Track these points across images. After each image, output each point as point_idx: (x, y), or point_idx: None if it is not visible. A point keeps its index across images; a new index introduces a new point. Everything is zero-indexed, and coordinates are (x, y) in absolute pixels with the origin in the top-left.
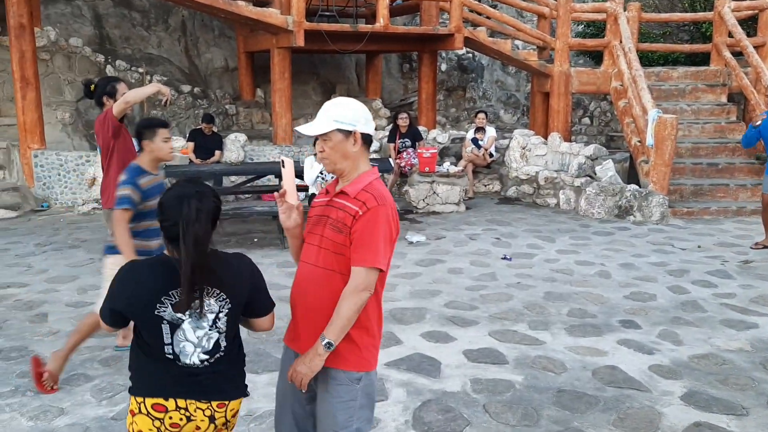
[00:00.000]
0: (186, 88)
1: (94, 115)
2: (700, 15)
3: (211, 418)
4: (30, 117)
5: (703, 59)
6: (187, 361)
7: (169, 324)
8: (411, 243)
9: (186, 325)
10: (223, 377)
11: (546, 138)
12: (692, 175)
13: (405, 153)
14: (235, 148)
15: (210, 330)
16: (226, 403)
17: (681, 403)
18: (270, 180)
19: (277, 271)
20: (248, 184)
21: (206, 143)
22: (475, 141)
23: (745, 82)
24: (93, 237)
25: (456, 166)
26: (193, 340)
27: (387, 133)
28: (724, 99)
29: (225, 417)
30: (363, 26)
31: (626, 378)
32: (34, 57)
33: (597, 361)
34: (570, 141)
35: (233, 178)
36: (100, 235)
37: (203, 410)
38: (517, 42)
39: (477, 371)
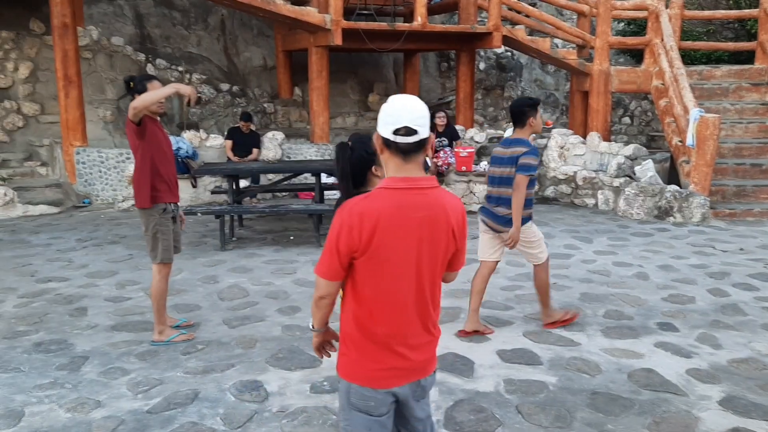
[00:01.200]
0: (225, 86)
1: None
2: (746, 12)
3: None
4: (72, 115)
5: (747, 57)
6: None
7: None
8: None
9: None
10: None
11: (585, 137)
12: (735, 176)
13: (442, 152)
14: (272, 146)
15: None
16: None
17: (719, 408)
18: (306, 178)
19: (311, 269)
20: (285, 182)
21: (244, 141)
22: None
23: None
24: (132, 233)
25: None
26: None
27: None
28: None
29: None
30: (401, 25)
31: (662, 381)
32: (76, 56)
33: (633, 363)
34: (609, 141)
35: (270, 176)
36: (138, 232)
37: None
38: (556, 40)
39: (510, 372)
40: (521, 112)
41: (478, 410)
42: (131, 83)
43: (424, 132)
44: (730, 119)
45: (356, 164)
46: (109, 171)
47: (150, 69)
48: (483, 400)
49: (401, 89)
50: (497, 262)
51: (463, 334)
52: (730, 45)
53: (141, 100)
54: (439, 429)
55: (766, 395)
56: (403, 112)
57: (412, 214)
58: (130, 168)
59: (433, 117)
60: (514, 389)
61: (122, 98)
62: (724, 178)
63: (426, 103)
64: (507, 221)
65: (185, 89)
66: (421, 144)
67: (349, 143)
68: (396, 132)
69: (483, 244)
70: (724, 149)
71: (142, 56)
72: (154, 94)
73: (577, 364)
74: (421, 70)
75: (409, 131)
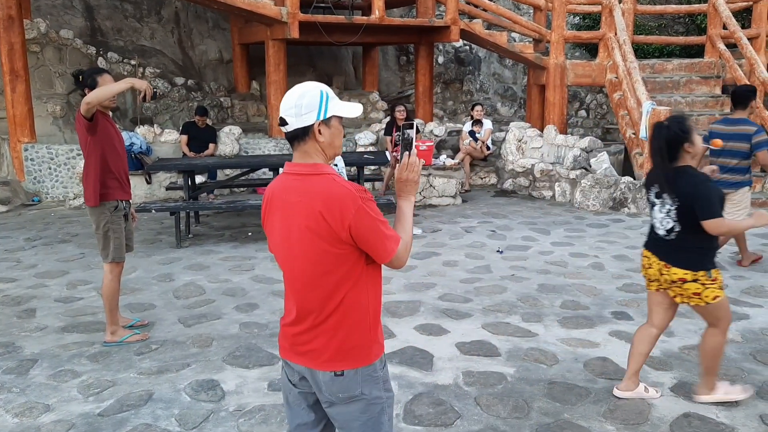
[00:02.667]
0: (180, 80)
1: None
2: (695, 7)
3: (660, 272)
4: (20, 110)
5: (697, 51)
6: (658, 232)
7: (650, 204)
8: None
9: (656, 208)
10: (673, 249)
11: (542, 130)
12: None
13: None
14: (229, 141)
15: (665, 216)
16: (670, 266)
17: (671, 394)
18: (265, 173)
19: (270, 266)
20: (243, 178)
21: (200, 136)
22: (472, 134)
23: (739, 74)
24: (84, 231)
25: (453, 159)
26: (657, 218)
27: (384, 126)
28: (718, 91)
29: (669, 278)
30: (358, 18)
31: (617, 369)
32: (23, 49)
33: (588, 352)
34: (566, 133)
35: (228, 171)
36: (90, 230)
37: (660, 266)
38: (513, 34)
39: (469, 364)
40: (746, 96)
41: (437, 403)
42: (80, 77)
43: (294, 122)
44: (681, 112)
45: (670, 141)
46: (59, 168)
47: (101, 62)
48: (442, 393)
49: (360, 83)
50: None
51: (744, 266)
52: (681, 39)
53: (95, 95)
54: (398, 423)
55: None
56: (281, 104)
57: (289, 198)
58: (81, 164)
59: (393, 110)
60: (472, 381)
61: (72, 93)
62: None
63: (386, 96)
64: (730, 184)
65: (140, 84)
66: (297, 133)
67: (665, 122)
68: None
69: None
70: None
71: (92, 49)
72: (108, 89)
73: (535, 354)
74: (380, 63)
75: (282, 121)
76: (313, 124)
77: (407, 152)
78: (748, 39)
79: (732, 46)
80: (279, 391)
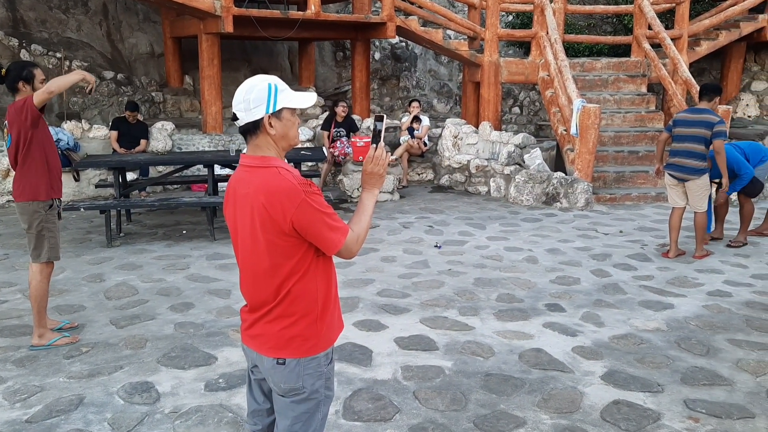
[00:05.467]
0: (109, 74)
1: (7, 102)
2: (622, 8)
3: None
4: None
5: (625, 51)
6: None
7: None
8: None
9: None
10: None
11: (477, 127)
12: (615, 163)
13: (339, 142)
14: (162, 137)
15: None
16: None
17: (601, 383)
18: (199, 170)
19: (206, 264)
20: (176, 174)
21: (130, 132)
22: (409, 130)
23: (663, 72)
24: (7, 231)
25: (390, 155)
26: None
27: (321, 122)
28: (644, 89)
29: None
30: (294, 13)
31: (550, 360)
32: None
33: (523, 344)
34: (500, 130)
35: (161, 168)
36: (14, 230)
37: None
38: (450, 32)
39: (408, 358)
40: (714, 91)
41: (377, 398)
42: (3, 70)
43: (244, 117)
44: (609, 109)
45: None
46: None
47: (24, 55)
48: (381, 388)
49: (297, 78)
50: (685, 207)
51: (699, 257)
52: (609, 39)
53: (56, 84)
54: (338, 420)
55: (643, 368)
56: (233, 99)
57: (240, 191)
58: (4, 161)
59: (334, 106)
60: (411, 375)
61: None
62: (605, 165)
63: (322, 92)
64: (695, 171)
65: (91, 77)
66: (248, 127)
67: None
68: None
69: (673, 195)
70: (604, 138)
71: (15, 41)
72: (66, 79)
73: (472, 347)
74: (316, 59)
75: (233, 116)
76: (262, 118)
77: (374, 145)
78: (672, 39)
79: (657, 46)
80: (216, 391)
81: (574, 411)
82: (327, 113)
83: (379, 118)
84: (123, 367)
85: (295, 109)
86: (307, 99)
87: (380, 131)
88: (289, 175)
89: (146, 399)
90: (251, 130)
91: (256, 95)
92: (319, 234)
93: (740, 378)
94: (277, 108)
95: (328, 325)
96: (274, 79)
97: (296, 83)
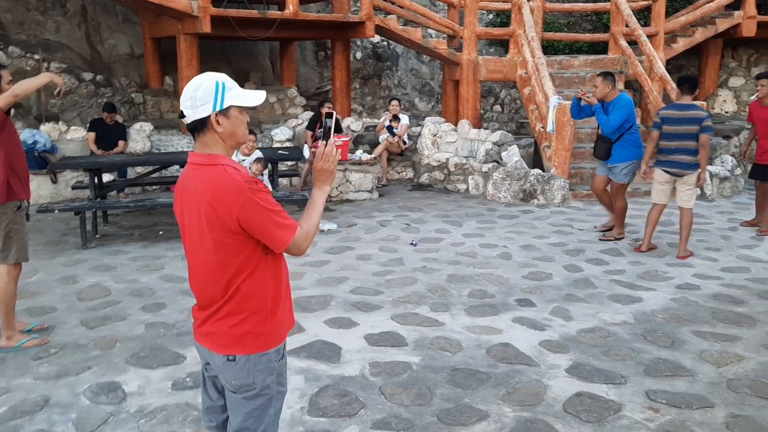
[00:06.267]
0: (88, 75)
1: None
2: (600, 5)
3: None
4: None
5: (603, 48)
6: None
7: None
8: (322, 231)
9: None
10: None
11: (457, 125)
12: (591, 160)
13: (320, 141)
14: (140, 138)
15: None
16: None
17: (566, 376)
18: (178, 170)
19: (181, 264)
20: (154, 175)
21: (108, 133)
22: (389, 128)
23: (640, 69)
24: None
25: (370, 154)
26: None
27: (300, 122)
28: (621, 86)
29: None
30: (272, 13)
31: (517, 354)
32: None
33: (491, 339)
34: (479, 128)
35: (140, 169)
36: None
37: None
38: (430, 31)
39: (376, 355)
40: (694, 84)
41: (343, 394)
42: None
43: (191, 114)
44: None
45: None
46: None
47: (2, 57)
48: (348, 384)
49: (278, 78)
50: (667, 204)
51: (684, 258)
52: (588, 36)
53: (23, 87)
54: (302, 416)
55: (608, 360)
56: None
57: (188, 188)
58: None
59: (320, 106)
60: (378, 371)
61: None
62: (582, 162)
63: (304, 92)
64: (689, 166)
65: (59, 79)
66: (196, 125)
67: None
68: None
69: (660, 191)
70: (581, 134)
71: None
72: (33, 82)
73: (440, 343)
74: (298, 59)
75: (181, 113)
76: (209, 116)
77: (324, 142)
78: (649, 36)
79: (635, 44)
80: (183, 390)
81: (537, 404)
82: (315, 113)
83: (329, 115)
84: (91, 367)
85: (243, 107)
86: (256, 97)
87: (330, 128)
88: (236, 173)
89: (112, 399)
90: (198, 127)
91: (203, 93)
92: (266, 231)
93: (702, 369)
94: (225, 106)
95: (278, 321)
96: (222, 77)
97: (277, 83)
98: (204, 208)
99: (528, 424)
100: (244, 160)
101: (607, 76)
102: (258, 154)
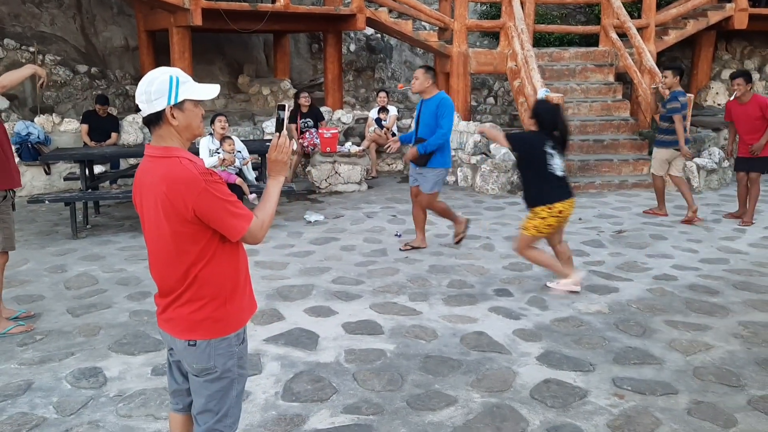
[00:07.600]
0: (83, 68)
1: None
2: None
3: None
4: None
5: (595, 40)
6: (558, 174)
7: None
8: (309, 222)
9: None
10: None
11: None
12: (580, 152)
13: (308, 133)
14: (133, 130)
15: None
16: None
17: (536, 363)
18: None
19: None
20: None
21: (101, 125)
22: (378, 121)
23: (629, 62)
24: None
25: (359, 146)
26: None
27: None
28: (611, 78)
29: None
30: (263, 5)
31: (490, 342)
32: None
33: (467, 327)
34: (470, 120)
35: (132, 160)
36: None
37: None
38: (424, 23)
39: (352, 342)
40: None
41: (316, 380)
42: None
43: (146, 108)
44: (576, 98)
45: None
46: None
47: None
48: (322, 371)
49: (272, 70)
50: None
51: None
52: (579, 28)
53: (9, 79)
54: (276, 401)
55: (579, 348)
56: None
57: (144, 180)
58: None
59: (297, 98)
60: (353, 358)
61: None
62: (570, 154)
63: (297, 84)
64: (669, 143)
65: (41, 71)
66: (151, 119)
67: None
68: None
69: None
70: (570, 126)
71: None
72: (17, 74)
73: (416, 331)
74: (292, 51)
75: (137, 107)
76: (164, 109)
77: (277, 133)
78: (639, 29)
79: (626, 36)
80: (162, 375)
81: (505, 390)
82: (294, 105)
83: (281, 107)
84: (74, 353)
85: (198, 100)
86: (210, 91)
87: (283, 120)
88: (191, 165)
89: (93, 383)
90: (154, 121)
91: (157, 87)
92: (221, 221)
93: (671, 357)
94: (179, 100)
95: (237, 307)
96: (176, 72)
97: (271, 75)
98: (161, 199)
99: (494, 409)
100: (219, 149)
101: (429, 69)
102: (230, 134)
